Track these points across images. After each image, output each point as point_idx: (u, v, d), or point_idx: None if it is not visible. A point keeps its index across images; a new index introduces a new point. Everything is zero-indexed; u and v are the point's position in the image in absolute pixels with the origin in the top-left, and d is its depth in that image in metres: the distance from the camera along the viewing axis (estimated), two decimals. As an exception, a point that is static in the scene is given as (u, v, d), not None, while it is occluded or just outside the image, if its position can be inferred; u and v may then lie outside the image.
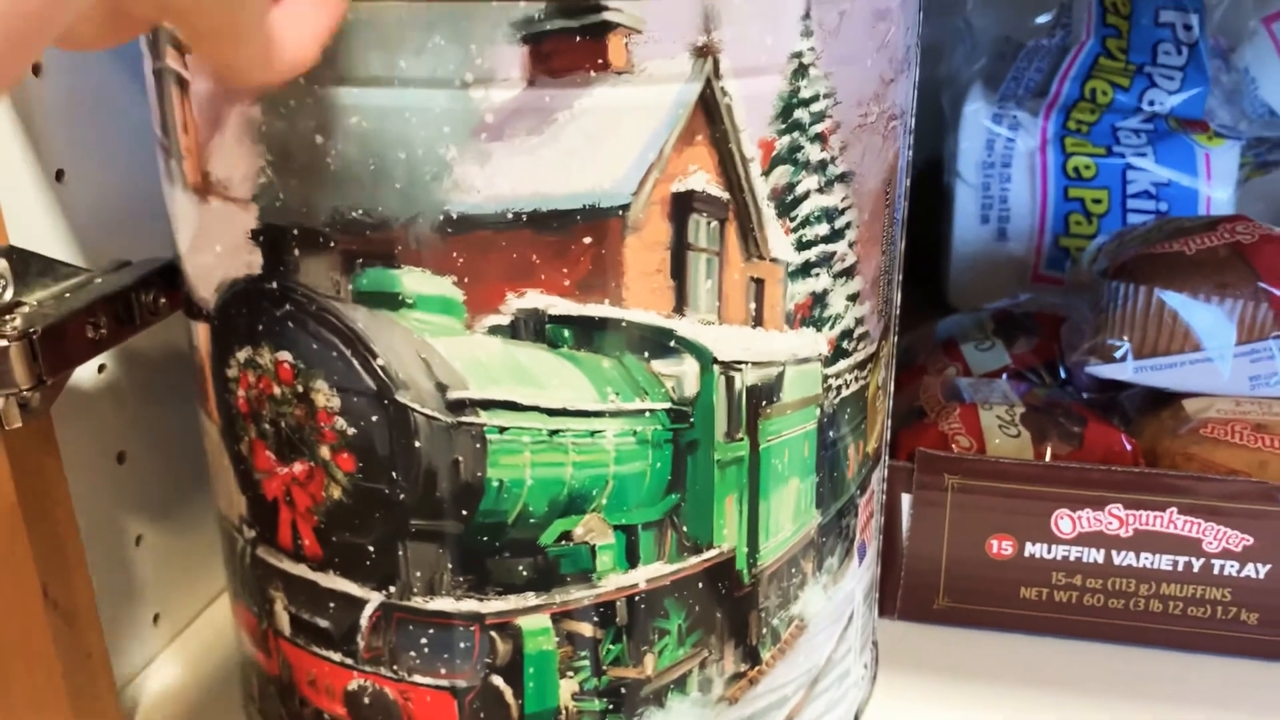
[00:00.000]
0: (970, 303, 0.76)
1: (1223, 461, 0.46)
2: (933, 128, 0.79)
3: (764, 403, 0.34)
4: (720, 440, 0.33)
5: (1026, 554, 0.46)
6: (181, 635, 0.50)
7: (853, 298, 0.35)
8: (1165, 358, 0.50)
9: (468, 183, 0.29)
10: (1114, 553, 0.45)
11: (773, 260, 0.32)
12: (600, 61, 0.28)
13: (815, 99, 0.32)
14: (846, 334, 0.36)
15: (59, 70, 0.40)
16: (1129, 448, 0.49)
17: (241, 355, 0.34)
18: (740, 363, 0.33)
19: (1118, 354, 0.50)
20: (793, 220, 0.32)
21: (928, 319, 0.66)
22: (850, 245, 0.35)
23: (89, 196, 0.42)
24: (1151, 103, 0.66)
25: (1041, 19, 0.76)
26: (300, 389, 0.33)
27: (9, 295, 0.36)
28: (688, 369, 0.32)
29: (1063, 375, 0.56)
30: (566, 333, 0.31)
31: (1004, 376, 0.56)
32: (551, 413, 0.32)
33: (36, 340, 0.34)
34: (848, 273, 0.35)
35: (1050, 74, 0.75)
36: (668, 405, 0.32)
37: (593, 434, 0.32)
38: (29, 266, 0.37)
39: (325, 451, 0.34)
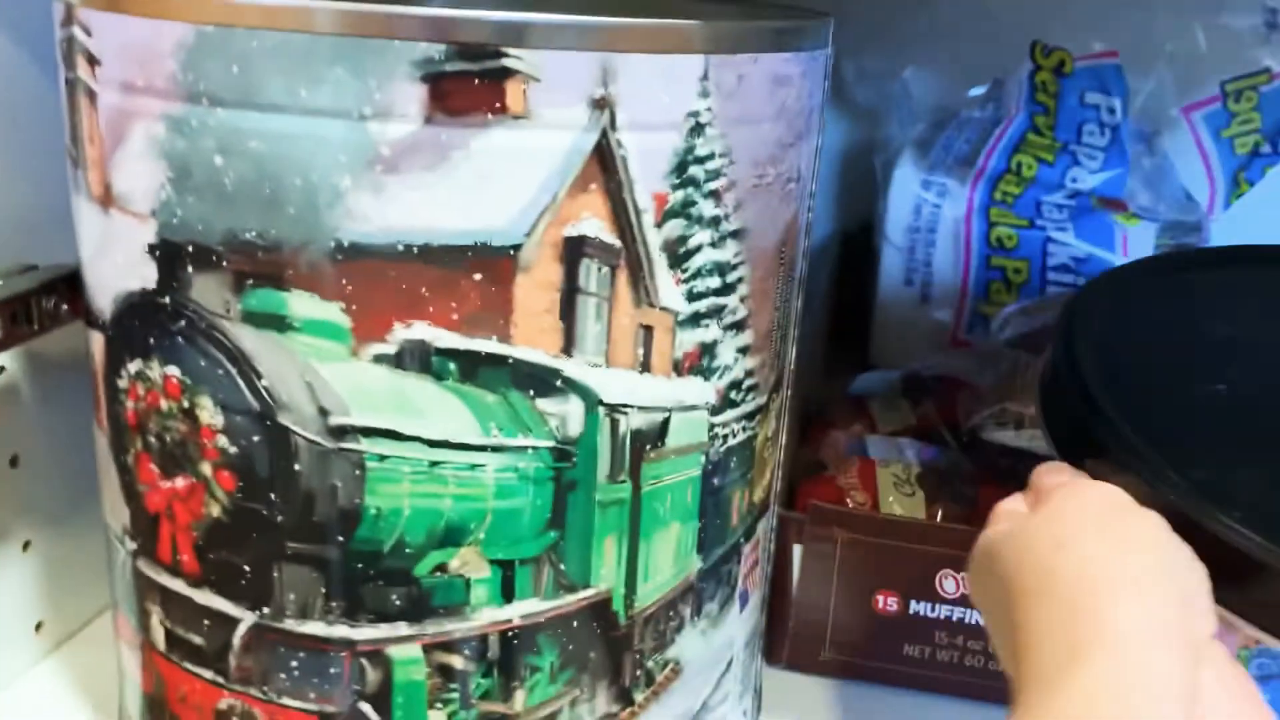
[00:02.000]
0: (891, 362, 0.77)
1: None
2: (868, 191, 0.81)
3: (648, 446, 0.34)
4: (602, 481, 0.34)
5: (911, 611, 0.47)
6: (65, 645, 0.49)
7: (743, 350, 0.36)
8: None
9: (361, 212, 0.30)
10: None
11: (663, 309, 0.33)
12: (498, 105, 0.29)
13: (711, 157, 0.33)
14: (735, 385, 0.37)
15: None
16: None
17: (132, 367, 0.34)
18: (626, 406, 0.34)
19: (1015, 422, 0.51)
20: (684, 271, 0.33)
21: (852, 377, 0.67)
22: (742, 299, 0.35)
23: (1, 198, 0.42)
24: (1074, 180, 0.67)
25: (975, 91, 0.78)
26: (186, 404, 0.33)
27: (-99, 292, 0.36)
28: (573, 409, 0.33)
29: (964, 438, 0.57)
30: (452, 365, 0.32)
31: (909, 439, 0.57)
32: (433, 444, 0.32)
33: (-77, 340, 0.34)
34: (738, 325, 0.36)
35: (979, 145, 0.77)
36: (551, 443, 0.33)
37: (473, 467, 0.33)
38: (-75, 264, 0.37)
39: (207, 468, 0.34)
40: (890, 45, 0.81)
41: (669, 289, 0.33)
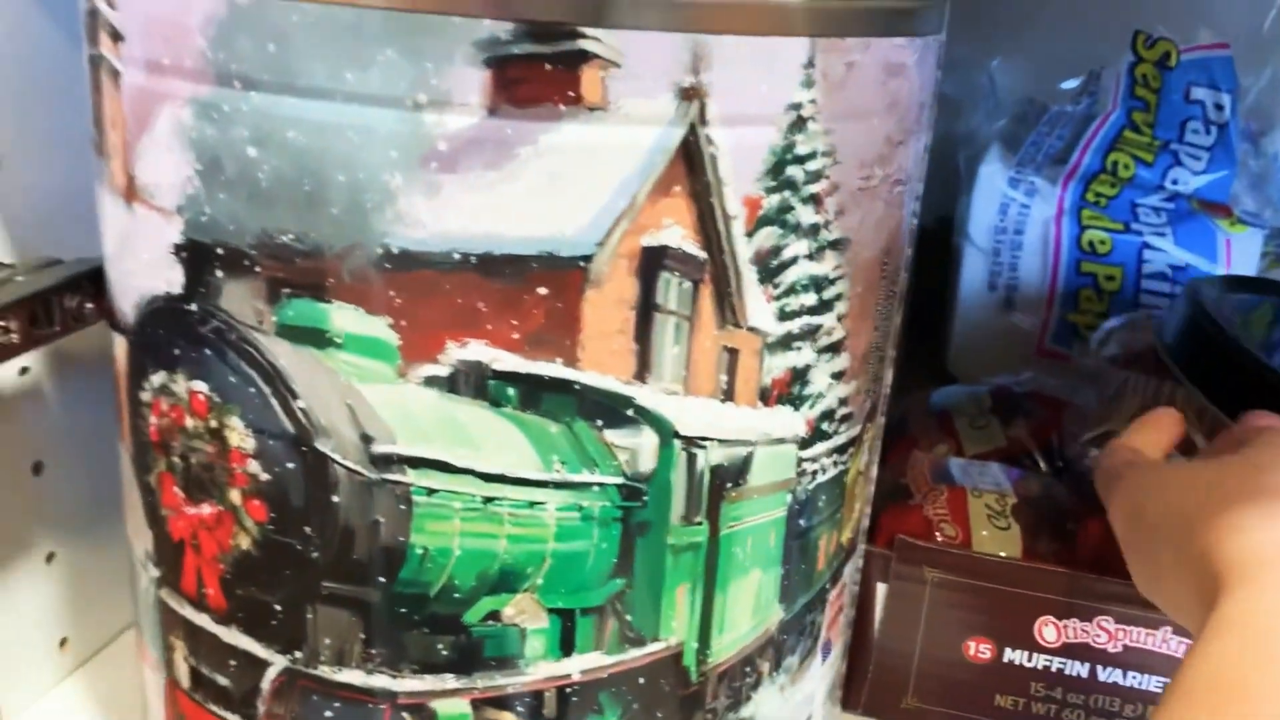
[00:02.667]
0: (970, 371, 0.72)
1: None
2: (946, 185, 0.76)
3: (729, 485, 0.30)
4: (676, 523, 0.30)
5: (1005, 659, 0.43)
6: (90, 662, 0.47)
7: (837, 375, 0.32)
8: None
9: (413, 216, 0.26)
10: (1099, 668, 0.42)
11: (750, 329, 0.29)
12: (572, 94, 0.25)
13: (812, 156, 0.28)
14: (827, 415, 0.32)
15: (5, 54, 0.37)
16: None
17: (156, 379, 0.31)
18: (705, 439, 0.29)
19: None
20: (776, 287, 0.29)
21: (923, 385, 0.63)
22: (839, 319, 0.31)
23: (26, 187, 0.39)
24: (1175, 181, 0.63)
25: (1068, 84, 0.73)
26: (214, 424, 0.30)
27: (-87, 289, 0.33)
28: (645, 442, 0.29)
29: (1060, 463, 0.52)
30: (511, 391, 0.28)
31: (998, 460, 0.53)
32: (487, 478, 0.28)
33: (-69, 342, 0.31)
34: (834, 348, 0.31)
35: (1072, 142, 0.72)
36: (619, 480, 0.29)
37: (532, 505, 0.29)
38: (-60, 258, 0.34)
39: (236, 496, 0.30)
40: (977, 33, 0.76)
41: (758, 307, 0.29)
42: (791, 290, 0.29)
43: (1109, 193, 0.64)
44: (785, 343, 0.30)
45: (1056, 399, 0.56)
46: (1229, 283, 0.50)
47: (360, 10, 0.24)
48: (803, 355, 0.31)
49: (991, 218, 0.72)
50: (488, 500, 0.28)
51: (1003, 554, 0.44)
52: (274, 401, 0.29)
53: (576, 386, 0.28)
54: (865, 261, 0.31)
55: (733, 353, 0.29)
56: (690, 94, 0.26)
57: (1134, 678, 0.42)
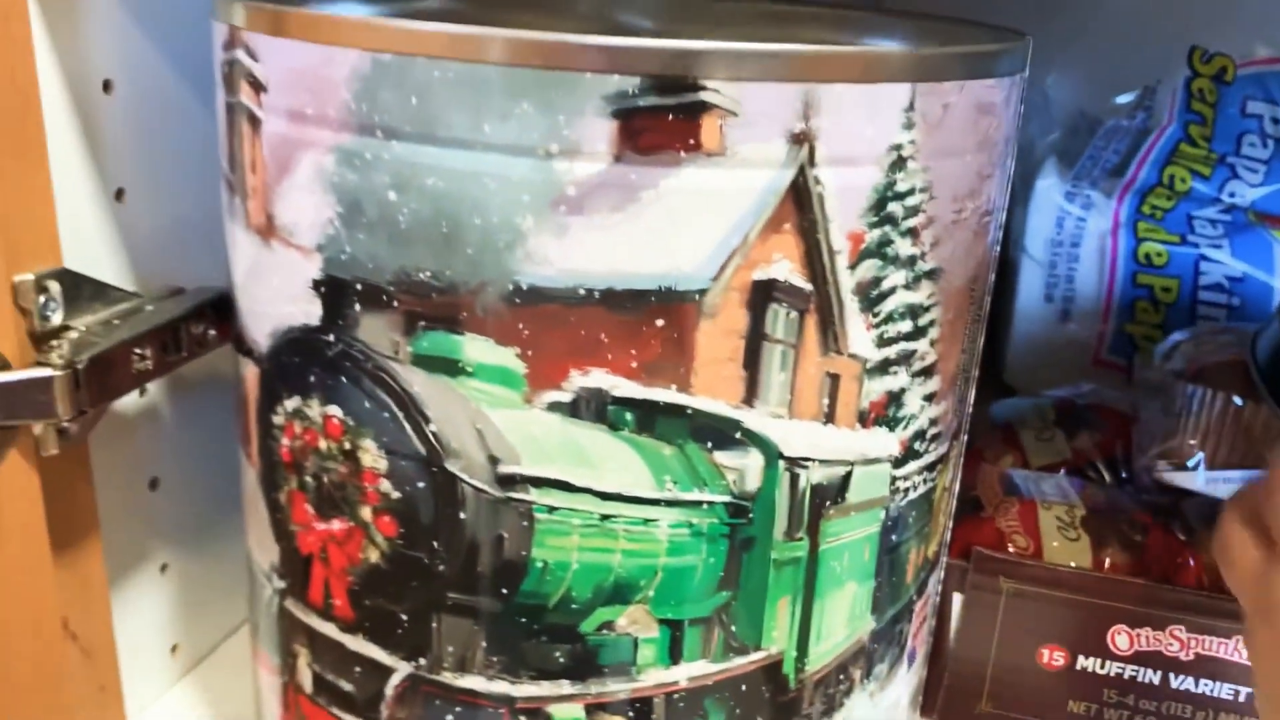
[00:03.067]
0: (1027, 382, 0.74)
1: None
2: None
3: (828, 503, 0.32)
4: (779, 539, 0.32)
5: (1079, 667, 0.44)
6: (198, 667, 0.49)
7: (929, 397, 0.34)
8: (1239, 471, 0.48)
9: (541, 254, 0.28)
10: (1172, 675, 0.43)
11: (851, 356, 0.31)
12: (692, 142, 0.27)
13: (911, 193, 0.30)
14: (919, 435, 0.34)
15: (127, 87, 0.40)
16: (1192, 564, 0.46)
17: (289, 404, 0.33)
18: (807, 459, 0.31)
19: (1190, 462, 0.48)
20: (875, 316, 0.31)
21: (981, 395, 0.64)
22: (931, 343, 0.33)
23: (148, 218, 0.41)
24: (1232, 194, 0.64)
25: (1123, 98, 0.74)
26: (347, 446, 0.32)
27: (58, 319, 0.35)
28: (751, 462, 0.31)
29: (1124, 475, 0.54)
30: (629, 415, 0.30)
31: (1062, 471, 0.54)
32: (605, 496, 0.30)
33: (81, 370, 0.33)
34: (926, 371, 0.33)
35: (1128, 156, 0.73)
36: (727, 498, 0.31)
37: (646, 522, 0.31)
38: (80, 290, 0.36)
39: (367, 513, 0.32)
40: (1034, 45, 0.78)
41: (859, 335, 0.31)
42: (889, 318, 0.31)
43: (1165, 205, 0.65)
44: (883, 367, 0.32)
45: (1119, 411, 0.57)
46: None
47: (500, 68, 0.26)
48: (898, 379, 0.32)
49: (1048, 231, 0.73)
50: (605, 517, 0.30)
51: (1073, 564, 0.46)
52: (407, 425, 0.31)
53: (689, 411, 0.30)
54: (956, 289, 0.33)
55: (834, 378, 0.31)
56: (800, 139, 0.28)
57: (1206, 685, 0.43)
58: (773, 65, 0.27)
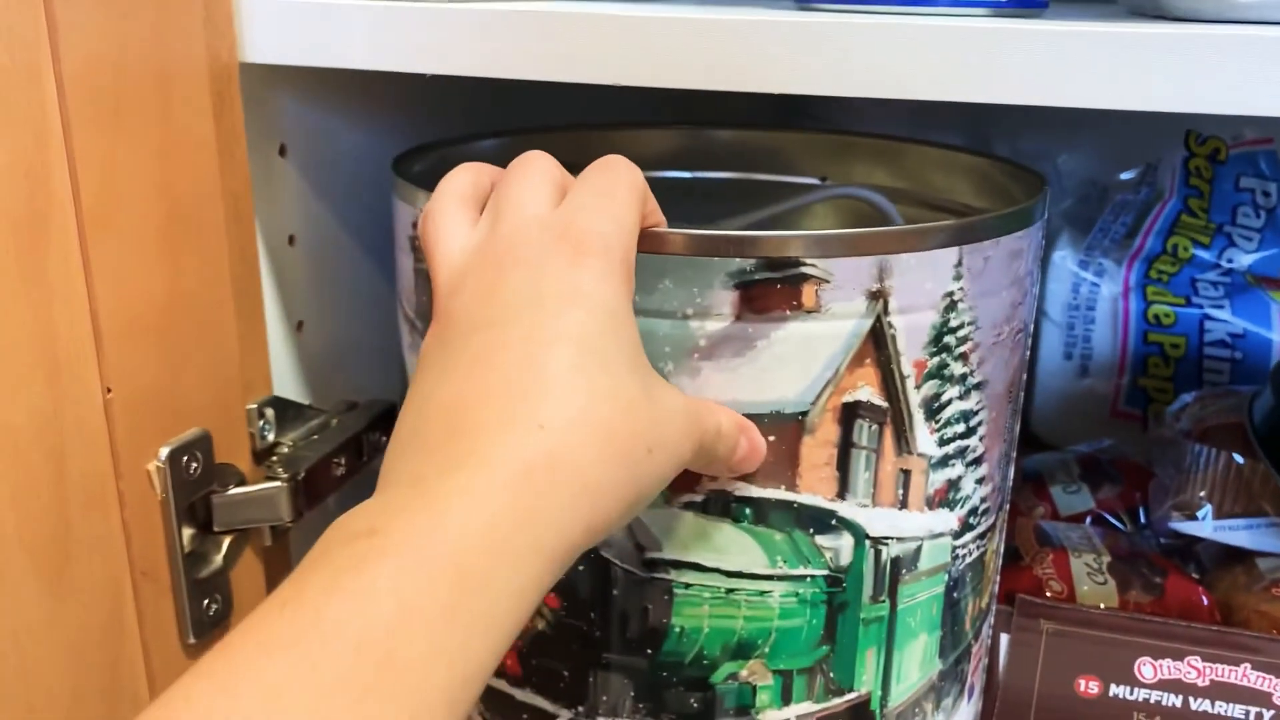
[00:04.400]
0: (1051, 432, 0.81)
1: None
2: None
3: (904, 570, 0.40)
4: (866, 601, 0.40)
5: (1111, 694, 0.51)
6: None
7: (979, 481, 0.42)
8: (1242, 519, 0.55)
9: (681, 385, 0.36)
10: (1191, 699, 0.50)
11: (919, 454, 0.39)
12: (795, 303, 0.35)
13: (961, 327, 0.38)
14: (973, 511, 0.42)
15: (308, 239, 0.48)
16: (1205, 601, 0.54)
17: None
18: (887, 538, 0.39)
19: (1199, 513, 0.56)
20: (937, 422, 0.39)
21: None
22: (980, 439, 0.41)
23: (323, 344, 0.50)
24: (1230, 260, 0.71)
25: (1126, 175, 0.81)
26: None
27: (272, 437, 0.44)
28: (845, 543, 0.39)
29: (1143, 522, 0.61)
30: (748, 510, 0.38)
31: (1088, 520, 0.62)
32: (729, 574, 0.38)
33: (300, 481, 0.42)
34: (976, 461, 0.41)
35: (1135, 226, 0.80)
36: (826, 572, 0.39)
37: (762, 593, 0.39)
38: (285, 411, 0.45)
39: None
40: (1045, 128, 0.86)
41: (925, 438, 0.39)
42: (948, 423, 0.39)
43: (1170, 270, 0.73)
44: (943, 461, 0.40)
45: (1137, 464, 0.65)
46: None
47: (648, 255, 0.35)
48: (955, 469, 0.40)
49: (1065, 296, 0.81)
50: (729, 591, 0.38)
51: (1102, 605, 0.53)
52: (568, 522, 0.39)
53: (795, 505, 0.38)
54: (998, 394, 0.41)
55: (906, 473, 0.39)
56: (877, 295, 0.36)
57: (1221, 706, 0.50)
58: (856, 244, 0.35)
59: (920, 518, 0.40)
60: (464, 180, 0.35)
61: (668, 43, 0.39)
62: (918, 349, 0.37)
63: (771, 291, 0.35)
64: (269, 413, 0.43)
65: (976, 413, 0.40)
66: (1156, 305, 0.71)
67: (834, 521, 0.38)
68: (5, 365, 0.35)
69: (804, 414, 0.37)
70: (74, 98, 0.36)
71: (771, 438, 0.37)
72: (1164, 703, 0.51)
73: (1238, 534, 0.55)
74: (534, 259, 0.31)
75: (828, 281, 0.35)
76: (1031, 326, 0.44)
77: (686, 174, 0.58)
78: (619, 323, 0.31)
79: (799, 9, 0.44)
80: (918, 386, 0.38)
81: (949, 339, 0.38)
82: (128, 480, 0.40)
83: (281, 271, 0.48)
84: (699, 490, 0.37)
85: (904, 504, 0.39)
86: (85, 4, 0.36)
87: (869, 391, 0.37)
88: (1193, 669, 0.50)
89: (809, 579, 0.39)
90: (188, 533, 0.42)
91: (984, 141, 0.78)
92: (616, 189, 0.33)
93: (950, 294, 0.37)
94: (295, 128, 0.48)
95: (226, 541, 0.44)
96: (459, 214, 0.34)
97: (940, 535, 0.41)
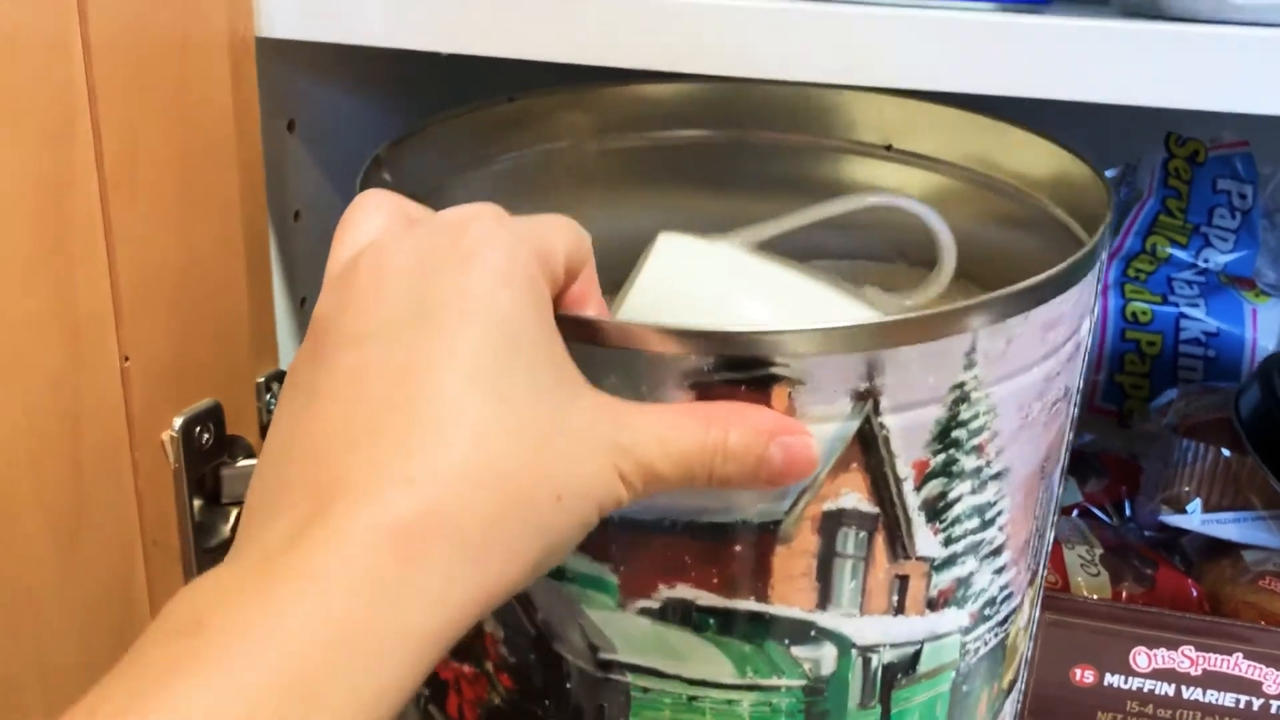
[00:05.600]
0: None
1: (1278, 611, 0.52)
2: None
3: (899, 675, 0.35)
4: (853, 708, 0.35)
5: (1106, 683, 0.51)
6: None
7: (998, 571, 0.36)
8: (1229, 513, 0.56)
9: (631, 494, 0.31)
10: (1184, 688, 0.50)
11: (919, 558, 0.33)
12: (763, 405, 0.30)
13: (974, 418, 0.32)
14: (990, 602, 0.36)
15: (314, 215, 0.48)
16: (1195, 593, 0.54)
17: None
18: (878, 645, 0.34)
19: (1188, 507, 0.56)
20: (942, 522, 0.33)
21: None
22: (1000, 529, 0.35)
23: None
24: (1206, 260, 0.69)
25: (1107, 174, 0.76)
26: (470, 614, 0.37)
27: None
28: (826, 653, 0.34)
29: (1128, 515, 0.61)
30: (711, 620, 0.33)
31: (1075, 513, 0.61)
32: (691, 682, 0.34)
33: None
34: (995, 553, 0.35)
35: (1114, 226, 0.74)
36: (803, 683, 0.34)
37: (729, 702, 0.34)
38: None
39: (489, 665, 0.37)
40: (1030, 117, 0.78)
41: (926, 540, 0.33)
42: (956, 521, 0.34)
43: (1148, 269, 0.71)
44: (950, 561, 0.34)
45: (1121, 459, 0.64)
46: None
47: (588, 346, 0.30)
48: (966, 566, 0.35)
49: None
50: (692, 698, 0.34)
51: (1095, 596, 0.53)
52: (519, 609, 0.35)
53: (766, 617, 0.33)
54: (1025, 476, 0.35)
55: (903, 578, 0.34)
56: (865, 395, 0.30)
57: (1212, 695, 0.50)
58: (836, 340, 0.29)
59: (920, 621, 0.35)
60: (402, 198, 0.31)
61: (682, 27, 0.39)
62: (918, 449, 0.32)
63: (734, 394, 0.30)
64: (276, 386, 0.43)
65: (995, 504, 0.34)
66: (1134, 303, 0.70)
67: (813, 633, 0.33)
68: (27, 331, 0.36)
69: (776, 523, 0.32)
70: (100, 66, 0.36)
71: (738, 547, 0.32)
72: (1158, 691, 0.51)
73: (1226, 527, 0.56)
74: (422, 264, 0.27)
75: (803, 384, 0.29)
76: (1078, 384, 0.37)
77: (732, 131, 0.51)
78: (520, 338, 0.26)
79: None
80: (918, 488, 0.32)
81: (959, 434, 0.32)
82: (142, 450, 0.41)
83: (287, 247, 0.47)
84: (654, 597, 0.33)
85: (899, 610, 0.34)
86: None
87: (855, 498, 0.32)
88: (1186, 658, 0.50)
89: (784, 689, 0.34)
90: (197, 503, 0.43)
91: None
92: (536, 218, 0.29)
93: (960, 385, 0.31)
94: (305, 103, 0.48)
95: (234, 513, 0.44)
96: (384, 208, 0.30)
97: (945, 635, 0.36)
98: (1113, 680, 0.51)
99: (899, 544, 0.33)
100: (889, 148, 0.50)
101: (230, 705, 0.21)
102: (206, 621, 0.22)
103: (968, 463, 0.33)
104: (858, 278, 0.46)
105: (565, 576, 0.33)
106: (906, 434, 0.31)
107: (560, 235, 0.29)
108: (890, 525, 0.32)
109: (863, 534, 0.32)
